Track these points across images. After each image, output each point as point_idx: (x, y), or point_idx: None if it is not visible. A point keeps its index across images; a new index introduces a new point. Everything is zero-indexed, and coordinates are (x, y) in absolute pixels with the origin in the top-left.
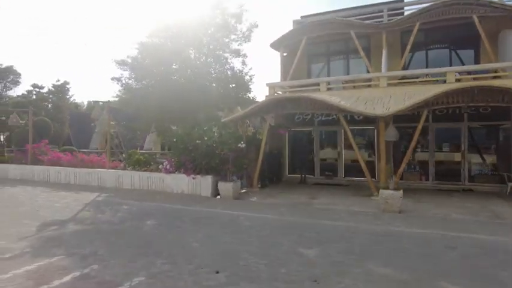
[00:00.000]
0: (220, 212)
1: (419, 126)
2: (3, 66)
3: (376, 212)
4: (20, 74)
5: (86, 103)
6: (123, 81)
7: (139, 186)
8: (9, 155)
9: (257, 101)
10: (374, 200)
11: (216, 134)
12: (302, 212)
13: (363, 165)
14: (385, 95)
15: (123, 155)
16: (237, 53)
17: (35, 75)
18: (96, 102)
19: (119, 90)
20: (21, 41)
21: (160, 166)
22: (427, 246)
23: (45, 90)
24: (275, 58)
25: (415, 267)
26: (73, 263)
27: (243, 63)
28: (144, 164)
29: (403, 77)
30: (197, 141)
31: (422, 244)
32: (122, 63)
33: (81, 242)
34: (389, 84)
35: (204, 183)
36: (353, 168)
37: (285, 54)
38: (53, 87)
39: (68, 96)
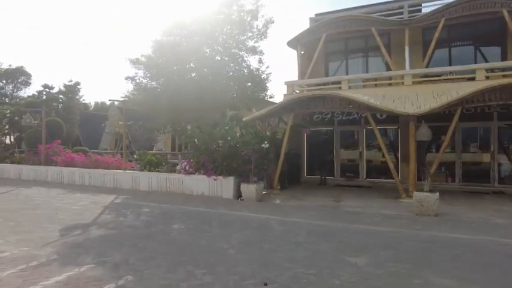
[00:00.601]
0: (247, 216)
1: (453, 126)
2: (14, 67)
3: (410, 215)
4: (30, 75)
5: (93, 103)
6: (137, 80)
7: (157, 188)
8: (20, 155)
9: (271, 101)
10: (402, 203)
11: (238, 134)
12: (332, 215)
13: (391, 166)
14: (411, 93)
15: (134, 156)
16: (253, 51)
17: (45, 76)
18: (112, 101)
19: (133, 90)
20: (30, 41)
21: (177, 167)
22: (483, 254)
23: (55, 90)
24: (288, 56)
25: (479, 279)
26: (105, 273)
27: (260, 61)
28: (155, 164)
29: (426, 75)
30: (219, 142)
31: (477, 251)
32: (136, 62)
33: (108, 248)
34: (413, 82)
35: (225, 185)
36: (375, 169)
37: (302, 52)
38: (64, 87)
39: (77, 97)
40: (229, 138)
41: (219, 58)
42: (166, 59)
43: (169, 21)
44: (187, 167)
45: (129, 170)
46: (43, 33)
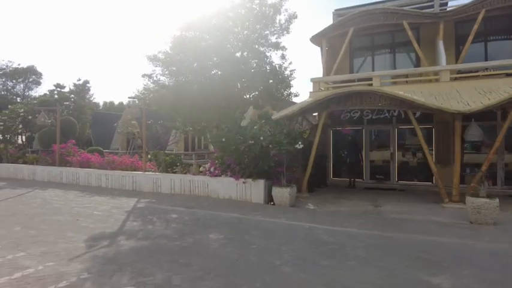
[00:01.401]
0: (288, 224)
1: (506, 125)
2: (25, 66)
3: (465, 223)
4: (41, 74)
5: (101, 103)
6: (155, 78)
7: (180, 191)
8: (32, 155)
9: (292, 101)
10: (447, 208)
11: (269, 134)
12: (380, 223)
13: (433, 169)
14: (450, 90)
15: (148, 156)
16: (276, 46)
17: (54, 75)
18: (132, 99)
19: (151, 87)
20: (41, 40)
21: (201, 168)
22: None
23: (66, 89)
24: (302, 53)
25: None
26: None
27: (282, 56)
28: (170, 165)
29: (459, 71)
30: (250, 142)
31: None
32: (153, 59)
33: (145, 264)
34: (450, 79)
35: (255, 188)
36: (407, 171)
37: (326, 48)
38: (74, 86)
39: (88, 96)
40: (261, 138)
41: (238, 55)
42: (187, 55)
43: (189, 15)
44: (211, 169)
45: (150, 171)
46: (52, 31)
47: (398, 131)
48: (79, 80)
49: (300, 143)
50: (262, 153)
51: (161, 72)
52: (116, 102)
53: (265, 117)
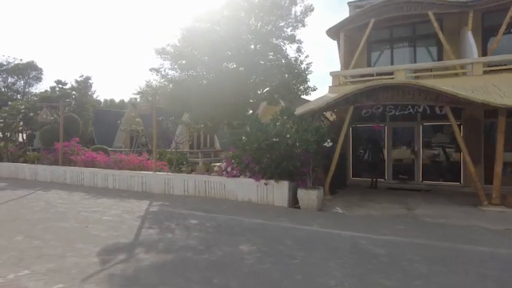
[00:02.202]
0: (322, 232)
1: None
2: (25, 62)
3: None
4: (41, 70)
5: (102, 101)
6: (163, 72)
7: (194, 192)
8: (33, 154)
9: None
10: (487, 211)
11: (293, 130)
12: (423, 230)
13: (472, 169)
14: (484, 84)
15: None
16: (291, 39)
17: (55, 71)
18: (139, 94)
19: (160, 82)
20: (41, 35)
21: (215, 168)
22: None
23: (67, 86)
24: (315, 47)
25: None
26: None
27: (298, 50)
28: (176, 164)
29: (490, 64)
30: (274, 139)
31: None
32: (162, 52)
33: (174, 286)
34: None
35: (278, 191)
36: (432, 171)
37: (343, 41)
38: (75, 82)
39: (90, 93)
40: (287, 135)
41: (252, 47)
42: (198, 47)
43: (199, 6)
44: (228, 169)
45: (161, 171)
46: (52, 26)
47: (424, 128)
48: (81, 76)
49: (329, 140)
50: (287, 152)
51: (170, 66)
52: (117, 100)
53: (287, 113)
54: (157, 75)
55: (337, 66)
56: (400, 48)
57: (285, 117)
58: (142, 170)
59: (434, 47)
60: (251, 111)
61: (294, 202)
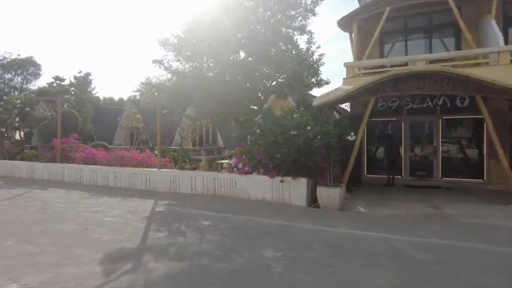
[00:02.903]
0: (352, 234)
1: None
2: (23, 57)
3: None
4: (40, 66)
5: (101, 99)
6: (166, 64)
7: (202, 191)
8: (31, 151)
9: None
10: None
11: (312, 123)
12: (460, 231)
13: (505, 164)
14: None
15: (155, 152)
16: (301, 30)
17: (55, 68)
18: (145, 85)
19: (164, 76)
20: (41, 30)
21: (224, 165)
22: None
23: (66, 82)
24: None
25: None
26: None
27: (309, 41)
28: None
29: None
30: (292, 132)
31: None
32: (165, 43)
33: None
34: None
35: (295, 188)
36: (452, 167)
37: (356, 31)
38: (74, 79)
39: (90, 89)
40: (308, 127)
41: (262, 37)
42: (205, 37)
43: None
44: (240, 165)
45: (165, 168)
46: (52, 21)
47: (443, 122)
48: (80, 72)
49: (352, 134)
50: (306, 146)
51: (174, 58)
52: (116, 98)
53: (305, 104)
54: (160, 67)
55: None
56: (415, 39)
57: (301, 108)
58: (145, 167)
59: (452, 37)
60: (256, 107)
61: (312, 201)
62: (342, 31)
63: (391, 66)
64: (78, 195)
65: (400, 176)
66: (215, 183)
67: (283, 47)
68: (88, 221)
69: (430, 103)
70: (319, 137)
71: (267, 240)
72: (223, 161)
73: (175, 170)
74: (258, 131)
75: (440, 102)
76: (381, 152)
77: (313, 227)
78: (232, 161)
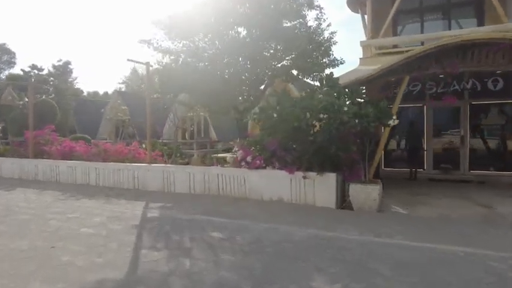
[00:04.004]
0: (419, 248)
1: None
2: None
3: None
4: (14, 53)
5: (85, 94)
6: (155, 44)
7: (202, 190)
8: (4, 147)
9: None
10: None
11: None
12: None
13: None
14: None
15: (143, 146)
16: (310, 4)
17: (32, 57)
18: (131, 61)
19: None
20: (15, 17)
21: (228, 159)
22: None
23: (44, 72)
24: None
25: None
26: None
27: (317, 18)
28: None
29: None
30: (322, 116)
31: None
32: (157, 22)
33: None
34: None
35: (321, 186)
36: (482, 159)
37: (370, 8)
38: (53, 68)
39: (70, 79)
40: (345, 108)
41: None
42: (202, 9)
43: None
44: (248, 158)
45: (157, 163)
46: (32, 8)
47: (472, 108)
48: (59, 60)
49: (395, 118)
50: (339, 132)
51: (165, 36)
52: (101, 92)
53: (330, 83)
54: (148, 47)
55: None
56: (431, 20)
57: (325, 88)
58: (133, 162)
59: (473, 18)
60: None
61: (341, 201)
62: (347, 19)
63: (407, 46)
64: (52, 197)
65: (422, 169)
66: (219, 180)
67: (293, 22)
68: (58, 234)
69: (457, 87)
70: (357, 120)
71: (309, 260)
72: (225, 154)
73: (169, 165)
74: (275, 115)
75: (469, 86)
76: (402, 143)
77: (361, 238)
78: (239, 154)
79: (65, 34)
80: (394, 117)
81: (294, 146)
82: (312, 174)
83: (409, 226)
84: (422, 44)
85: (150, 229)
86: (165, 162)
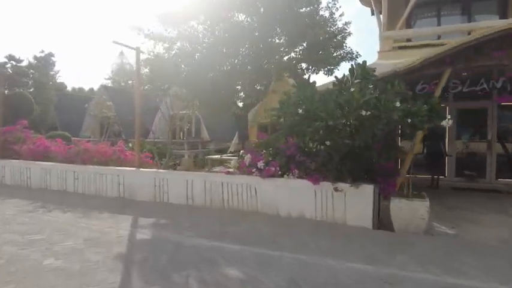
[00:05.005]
0: None
1: None
2: None
3: None
4: None
5: (70, 90)
6: (146, 31)
7: (202, 201)
8: None
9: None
10: None
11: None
12: None
13: None
14: None
15: (130, 145)
16: None
17: (11, 49)
18: (117, 43)
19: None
20: None
21: (232, 162)
22: None
23: (24, 63)
24: None
25: None
26: None
27: (328, 6)
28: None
29: None
30: (364, 113)
31: None
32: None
33: None
34: None
35: (354, 200)
36: (510, 166)
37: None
38: (34, 59)
39: (53, 72)
40: (397, 103)
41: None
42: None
43: None
44: (260, 164)
45: (147, 168)
46: None
47: (501, 109)
48: (41, 51)
49: (449, 117)
50: (384, 132)
51: (158, 22)
52: (86, 88)
53: (365, 74)
54: (138, 34)
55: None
56: (448, 15)
57: (357, 80)
58: (118, 166)
59: (495, 15)
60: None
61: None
62: (353, 14)
63: (422, 40)
64: (16, 208)
65: (443, 176)
66: (224, 189)
67: (305, 9)
68: (8, 271)
69: (485, 85)
70: (409, 120)
71: None
72: (227, 156)
73: (161, 170)
74: (300, 111)
75: (498, 85)
76: (423, 147)
77: (433, 279)
78: (246, 158)
79: (49, 26)
80: (449, 116)
81: (320, 149)
82: (344, 185)
83: (480, 258)
84: (439, 38)
85: (141, 262)
86: (157, 166)
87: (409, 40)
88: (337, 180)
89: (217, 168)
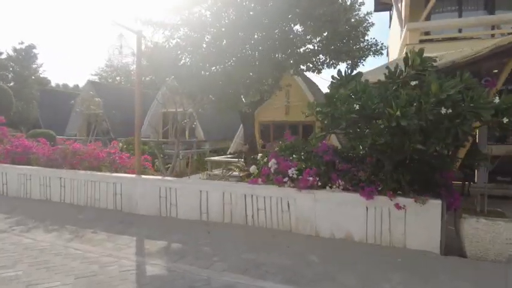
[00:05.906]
0: None
1: None
2: None
3: None
4: None
5: (54, 85)
6: (143, 18)
7: (221, 216)
8: None
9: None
10: None
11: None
12: None
13: None
14: None
15: (120, 145)
16: None
17: None
18: (116, 24)
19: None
20: None
21: (251, 169)
22: None
23: (3, 56)
24: None
25: None
26: None
27: None
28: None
29: None
30: (443, 111)
31: None
32: None
33: None
34: None
35: (417, 219)
36: None
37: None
38: (14, 51)
39: (35, 65)
40: (482, 101)
41: None
42: None
43: None
44: (292, 172)
45: (150, 174)
46: None
47: None
48: (21, 43)
49: None
50: (466, 135)
51: (157, 5)
52: (71, 85)
53: (423, 63)
54: (135, 22)
55: None
56: (469, 11)
57: (412, 71)
58: (113, 172)
59: None
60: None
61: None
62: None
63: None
64: None
65: (472, 182)
66: (247, 203)
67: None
68: None
69: None
70: (506, 120)
71: None
72: (227, 157)
73: (169, 178)
74: (356, 107)
75: None
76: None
77: None
78: (271, 164)
79: (30, 16)
80: None
81: (355, 155)
82: (406, 200)
83: None
84: (460, 31)
85: None
86: (163, 174)
87: (427, 33)
88: (398, 194)
89: (216, 171)
